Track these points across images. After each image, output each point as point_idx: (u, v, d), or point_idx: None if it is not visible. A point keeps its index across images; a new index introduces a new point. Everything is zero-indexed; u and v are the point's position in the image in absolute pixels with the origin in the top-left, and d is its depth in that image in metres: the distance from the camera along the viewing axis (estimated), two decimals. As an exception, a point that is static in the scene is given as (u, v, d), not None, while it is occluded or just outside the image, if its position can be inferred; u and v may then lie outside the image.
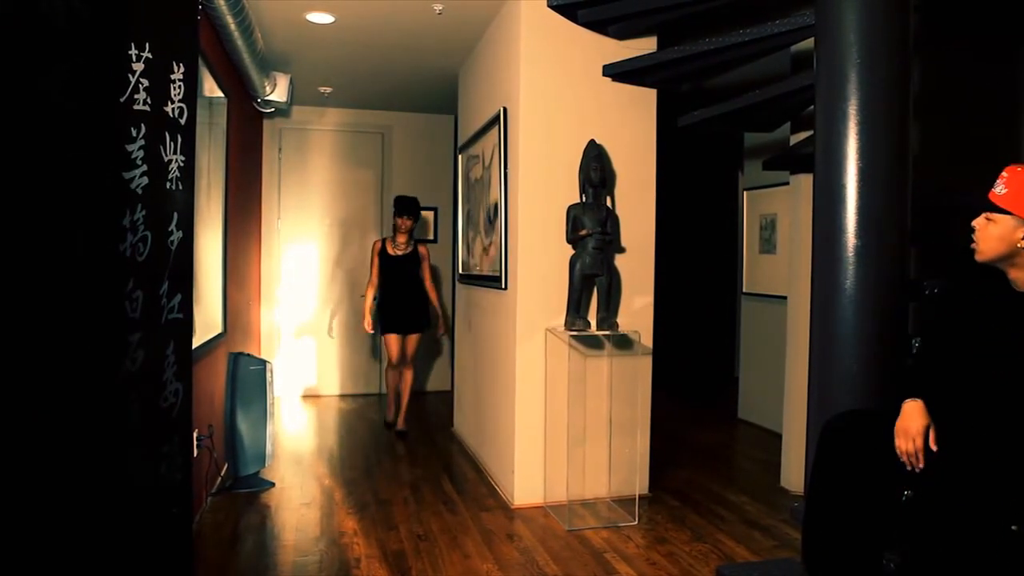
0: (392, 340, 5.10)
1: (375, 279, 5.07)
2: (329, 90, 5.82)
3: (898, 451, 1.99)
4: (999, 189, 1.94)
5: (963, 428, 1.98)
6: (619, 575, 2.87)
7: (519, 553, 3.07)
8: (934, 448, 1.95)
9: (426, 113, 6.58)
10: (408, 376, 5.20)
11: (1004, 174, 1.94)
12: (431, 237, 6.70)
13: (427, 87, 5.66)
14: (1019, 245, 1.91)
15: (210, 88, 3.78)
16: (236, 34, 3.70)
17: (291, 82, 5.26)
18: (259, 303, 6.17)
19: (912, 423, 1.98)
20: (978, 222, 1.98)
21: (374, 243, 5.16)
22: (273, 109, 5.61)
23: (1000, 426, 1.92)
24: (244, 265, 5.25)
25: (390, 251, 5.05)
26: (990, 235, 1.95)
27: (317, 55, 4.86)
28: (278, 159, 6.37)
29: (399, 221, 5.00)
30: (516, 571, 2.90)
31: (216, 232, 4.01)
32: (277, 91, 5.14)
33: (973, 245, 2.00)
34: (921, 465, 1.95)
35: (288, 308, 6.44)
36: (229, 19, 3.49)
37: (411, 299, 5.07)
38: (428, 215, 6.59)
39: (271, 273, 6.35)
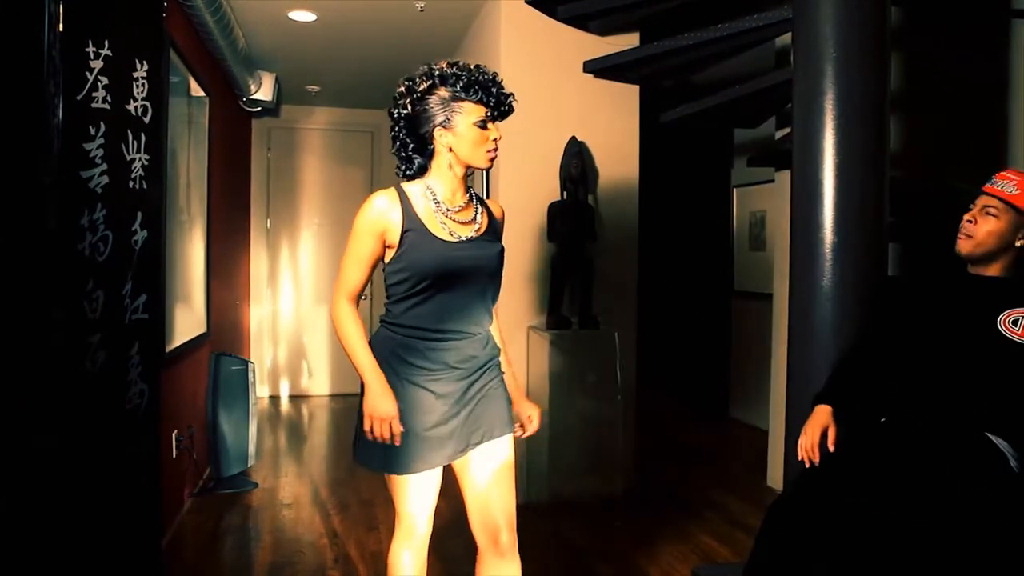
0: (430, 483, 1.95)
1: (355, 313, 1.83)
2: (317, 89, 5.79)
3: (799, 447, 2.06)
4: (1010, 189, 1.97)
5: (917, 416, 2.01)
6: None
7: (499, 554, 3.05)
8: (831, 449, 2.01)
9: (416, 111, 6.53)
10: None
11: (1012, 176, 1.98)
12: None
13: (415, 85, 5.61)
14: (1017, 244, 1.98)
15: (192, 87, 3.75)
16: (215, 32, 3.67)
17: (277, 81, 5.23)
18: (248, 303, 6.14)
19: (815, 421, 2.06)
20: (976, 214, 2.01)
21: (365, 208, 1.79)
22: (260, 108, 5.57)
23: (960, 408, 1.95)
24: (231, 265, 5.22)
25: (436, 232, 1.85)
26: (989, 230, 1.99)
27: (302, 53, 4.83)
28: (267, 159, 6.34)
29: (480, 133, 1.88)
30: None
31: (199, 231, 3.98)
32: (263, 90, 5.11)
33: (965, 235, 2.02)
34: (817, 460, 2.01)
35: (277, 308, 6.41)
36: (207, 17, 3.46)
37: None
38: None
39: (260, 273, 6.32)
